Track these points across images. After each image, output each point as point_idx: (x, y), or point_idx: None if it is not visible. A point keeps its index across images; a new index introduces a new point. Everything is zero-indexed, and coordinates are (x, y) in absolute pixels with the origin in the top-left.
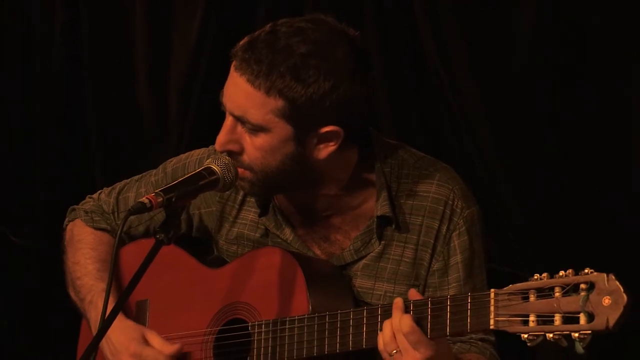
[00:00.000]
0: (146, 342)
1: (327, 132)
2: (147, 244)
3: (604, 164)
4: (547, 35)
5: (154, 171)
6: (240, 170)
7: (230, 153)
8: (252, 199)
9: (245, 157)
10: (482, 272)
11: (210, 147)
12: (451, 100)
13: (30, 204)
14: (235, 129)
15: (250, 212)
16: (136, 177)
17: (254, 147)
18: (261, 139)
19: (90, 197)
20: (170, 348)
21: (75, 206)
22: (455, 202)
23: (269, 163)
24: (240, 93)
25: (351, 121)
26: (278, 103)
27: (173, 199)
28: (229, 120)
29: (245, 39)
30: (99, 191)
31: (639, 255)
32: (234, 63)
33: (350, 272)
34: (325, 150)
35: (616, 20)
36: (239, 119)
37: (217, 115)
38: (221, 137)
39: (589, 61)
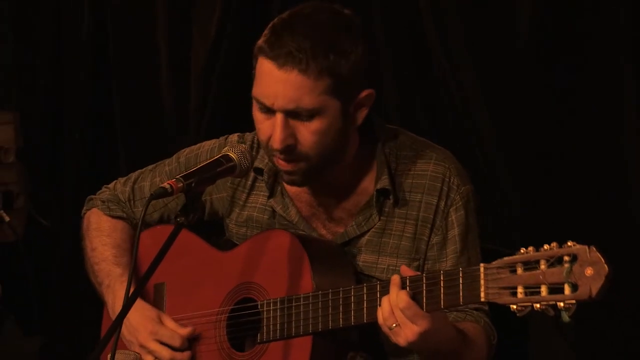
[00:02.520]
0: (161, 322)
1: (364, 96)
2: (162, 230)
3: (597, 152)
4: (545, 26)
5: (167, 161)
6: (290, 165)
7: (287, 148)
8: (262, 184)
9: (301, 148)
10: (477, 245)
11: (221, 139)
12: (453, 91)
13: (59, 189)
14: (288, 123)
15: (259, 196)
16: (150, 167)
17: (310, 134)
18: (317, 123)
19: (107, 187)
20: (185, 330)
21: (93, 196)
22: (452, 180)
23: (326, 143)
24: (290, 86)
25: (377, 81)
26: (327, 81)
27: (193, 184)
28: (279, 118)
29: (266, 40)
30: (115, 181)
31: (625, 233)
32: (272, 63)
33: (354, 248)
34: (361, 115)
35: (611, 17)
36: (293, 112)
37: (234, 106)
38: (279, 135)
39: (586, 51)
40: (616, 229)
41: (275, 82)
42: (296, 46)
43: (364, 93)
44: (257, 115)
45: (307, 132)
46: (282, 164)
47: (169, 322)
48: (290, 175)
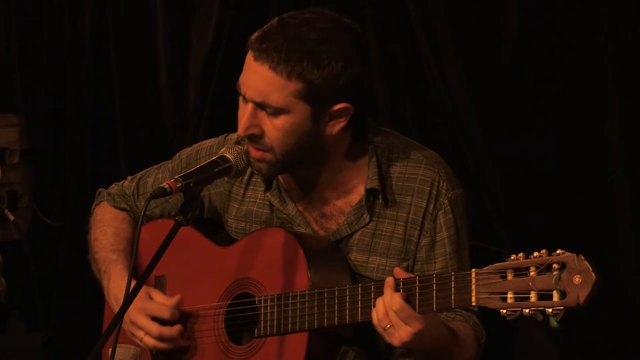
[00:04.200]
0: (150, 297)
1: (339, 109)
2: (161, 224)
3: (581, 154)
4: (532, 32)
5: (170, 160)
6: (259, 153)
7: (251, 136)
8: (258, 179)
9: (266, 139)
10: (466, 247)
11: (220, 137)
12: (443, 95)
13: (62, 189)
14: (256, 114)
15: (257, 192)
16: (155, 166)
17: (275, 129)
18: (282, 120)
19: (116, 184)
20: (172, 300)
21: (102, 189)
22: (441, 184)
23: (289, 142)
24: (261, 80)
25: (359, 97)
26: (297, 86)
27: (190, 184)
28: (249, 107)
29: (258, 33)
30: (124, 180)
31: (608, 234)
32: (252, 55)
33: (346, 247)
34: (336, 127)
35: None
36: (260, 105)
37: (230, 109)
38: (244, 123)
39: (570, 57)
40: (598, 228)
41: (250, 72)
42: (275, 46)
43: (339, 106)
44: (240, 101)
45: (272, 127)
46: (251, 152)
47: (158, 296)
48: (258, 163)
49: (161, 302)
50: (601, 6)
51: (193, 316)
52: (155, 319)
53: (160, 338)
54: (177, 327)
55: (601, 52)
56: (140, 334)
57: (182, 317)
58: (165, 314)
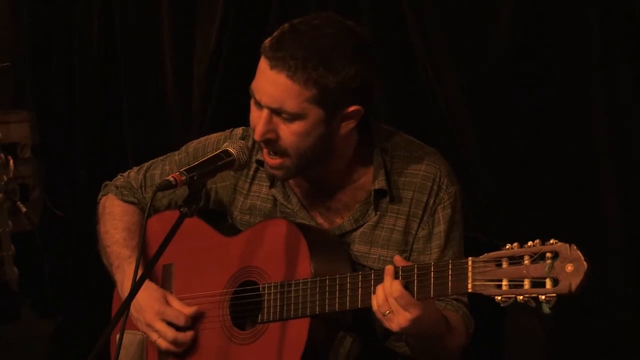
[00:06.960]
0: (167, 302)
1: (351, 111)
2: (169, 215)
3: (570, 154)
4: (524, 31)
5: (177, 152)
6: (276, 160)
7: (267, 141)
8: (263, 174)
9: (282, 143)
10: (461, 240)
11: (226, 132)
12: (437, 93)
13: (72, 182)
14: (272, 119)
15: (261, 186)
16: (161, 157)
17: (290, 133)
18: (297, 125)
19: (121, 175)
20: (189, 309)
21: (108, 182)
22: (441, 180)
23: (303, 145)
24: (277, 87)
25: (368, 99)
26: (313, 92)
27: (195, 177)
28: (264, 113)
29: (270, 40)
30: (129, 170)
31: (598, 227)
32: (267, 62)
33: (348, 239)
34: (346, 128)
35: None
36: (276, 111)
37: (233, 107)
38: (260, 129)
39: (559, 58)
40: (588, 222)
41: (265, 80)
42: (290, 54)
43: (351, 108)
44: (252, 105)
45: (288, 132)
46: (267, 159)
47: (175, 302)
48: (275, 170)
49: (178, 309)
50: (589, 7)
51: (199, 302)
52: (170, 323)
53: (174, 343)
54: (189, 334)
55: (589, 53)
56: (155, 336)
57: (189, 304)
58: (181, 321)
